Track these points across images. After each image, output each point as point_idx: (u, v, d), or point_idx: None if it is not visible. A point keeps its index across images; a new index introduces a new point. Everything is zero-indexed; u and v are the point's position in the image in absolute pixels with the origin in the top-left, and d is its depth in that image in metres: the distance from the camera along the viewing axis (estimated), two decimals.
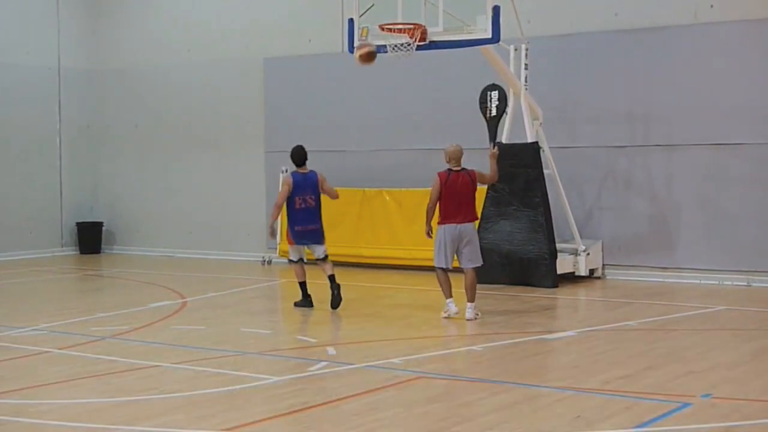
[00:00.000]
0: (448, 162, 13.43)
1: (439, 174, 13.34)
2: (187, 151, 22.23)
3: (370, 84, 19.50)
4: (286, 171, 20.06)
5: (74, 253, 23.02)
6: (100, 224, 23.26)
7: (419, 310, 14.43)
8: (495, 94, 15.28)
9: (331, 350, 10.97)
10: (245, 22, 21.31)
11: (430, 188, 13.39)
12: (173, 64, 22.34)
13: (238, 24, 21.42)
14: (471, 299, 13.20)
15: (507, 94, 15.22)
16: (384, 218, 19.10)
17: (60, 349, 11.23)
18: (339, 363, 10.27)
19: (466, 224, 13.21)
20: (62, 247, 23.04)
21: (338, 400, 8.72)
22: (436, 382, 9.44)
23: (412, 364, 10.18)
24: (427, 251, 18.13)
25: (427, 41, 15.00)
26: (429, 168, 18.68)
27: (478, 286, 13.37)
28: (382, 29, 15.12)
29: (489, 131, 16.38)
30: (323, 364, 10.20)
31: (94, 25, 23.48)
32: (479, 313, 13.23)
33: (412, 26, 14.93)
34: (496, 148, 14.39)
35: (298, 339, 11.84)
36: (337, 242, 19.39)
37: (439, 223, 13.24)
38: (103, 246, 23.30)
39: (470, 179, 13.29)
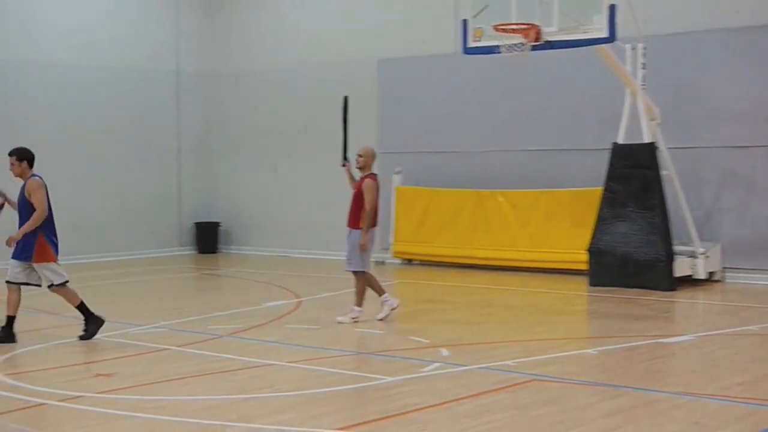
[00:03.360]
0: (370, 165, 13.18)
1: (375, 177, 13.12)
2: (303, 152, 22.43)
3: (484, 85, 19.43)
4: (400, 171, 20.20)
5: (192, 252, 23.44)
6: (217, 224, 23.63)
7: (533, 312, 14.33)
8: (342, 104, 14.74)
9: (444, 351, 10.95)
10: (360, 24, 21.43)
11: (373, 191, 13.03)
12: (289, 67, 22.57)
13: (352, 26, 21.55)
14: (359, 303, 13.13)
15: (347, 104, 14.56)
16: (498, 219, 19.00)
17: (178, 346, 11.43)
18: (452, 364, 10.25)
19: None
20: (180, 246, 23.48)
21: (451, 401, 8.70)
22: (549, 385, 9.36)
23: (526, 367, 10.11)
24: (541, 253, 18.14)
25: (541, 41, 14.89)
26: (543, 169, 18.69)
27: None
28: (496, 30, 15.05)
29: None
30: (436, 365, 10.19)
31: (213, 30, 23.88)
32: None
33: (526, 26, 14.83)
34: (345, 162, 13.72)
35: (411, 339, 11.85)
36: (450, 244, 19.44)
37: (372, 227, 13.03)
38: (220, 246, 23.67)
39: None
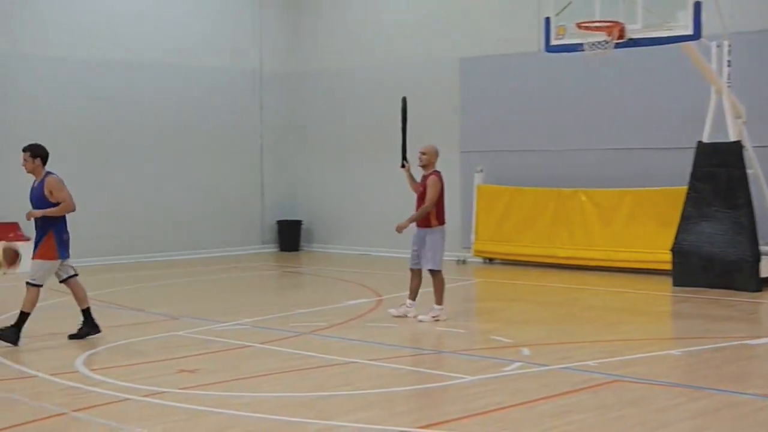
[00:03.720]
0: (433, 164, 13.13)
1: (440, 175, 13.08)
2: (384, 150, 22.40)
3: (567, 83, 19.30)
4: (482, 170, 20.14)
5: (274, 250, 23.61)
6: (299, 222, 23.79)
7: (615, 313, 14.20)
8: (401, 106, 14.58)
9: (525, 351, 10.91)
10: (441, 22, 21.41)
11: (438, 188, 13.09)
12: (370, 65, 22.64)
13: (434, 25, 21.53)
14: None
15: (406, 105, 14.42)
16: (580, 218, 18.84)
17: (260, 343, 11.53)
18: (534, 364, 10.20)
19: None
20: (263, 244, 23.68)
21: (533, 401, 8.66)
22: (632, 386, 9.27)
23: (608, 367, 10.02)
24: (624, 252, 17.96)
25: (625, 39, 14.74)
26: (626, 168, 18.50)
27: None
28: (579, 27, 14.94)
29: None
30: (518, 364, 10.16)
31: (294, 29, 24.04)
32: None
33: (609, 24, 14.70)
34: (405, 163, 13.72)
35: (493, 339, 11.82)
36: (531, 243, 19.34)
37: (441, 224, 13.04)
38: (302, 244, 23.82)
39: None
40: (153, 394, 8.93)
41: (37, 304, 11.71)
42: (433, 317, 12.92)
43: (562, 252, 18.98)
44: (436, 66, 21.41)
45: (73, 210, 11.76)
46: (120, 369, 10.13)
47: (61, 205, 11.70)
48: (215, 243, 22.63)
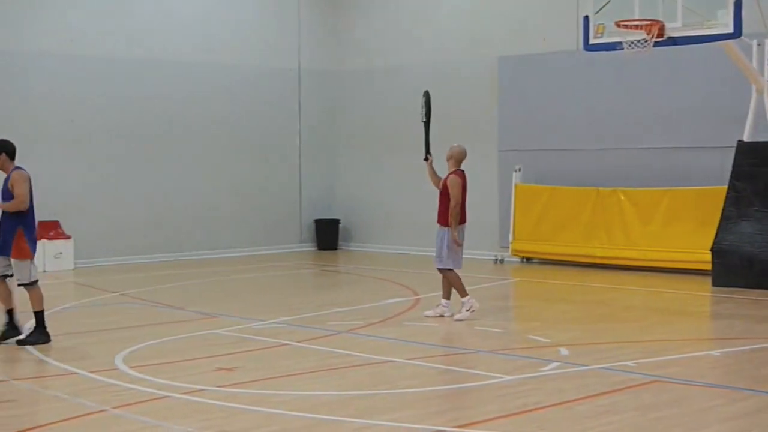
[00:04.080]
0: (459, 162, 13.19)
1: (462, 174, 13.13)
2: (420, 150, 22.42)
3: (606, 82, 19.21)
4: (520, 169, 20.10)
5: (312, 249, 23.67)
6: (337, 221, 23.83)
7: (654, 313, 14.13)
8: (423, 99, 14.51)
9: (563, 351, 10.87)
10: (480, 21, 21.37)
11: (458, 187, 13.14)
12: (409, 64, 22.63)
13: (472, 24, 21.50)
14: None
15: (429, 99, 14.37)
16: (618, 218, 18.75)
17: (298, 342, 11.56)
18: (571, 364, 10.17)
19: None
20: (301, 243, 23.73)
21: (571, 401, 8.64)
22: (671, 387, 9.22)
23: (647, 368, 9.97)
24: (663, 252, 17.86)
25: (664, 37, 14.67)
26: (665, 167, 18.40)
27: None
28: (618, 26, 14.88)
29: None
30: (556, 364, 10.13)
31: (333, 28, 24.08)
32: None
33: (649, 22, 14.63)
34: (429, 156, 13.73)
35: (530, 339, 11.79)
36: (569, 242, 19.27)
37: (461, 223, 13.06)
38: (339, 243, 23.86)
39: None
40: (191, 392, 8.98)
41: (79, 301, 11.80)
42: (467, 310, 12.92)
43: (600, 252, 18.89)
44: (475, 65, 21.37)
45: (24, 209, 11.40)
46: (159, 367, 10.19)
47: (13, 201, 11.42)
48: (253, 242, 22.71)
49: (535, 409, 8.39)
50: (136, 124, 20.93)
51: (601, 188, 19.01)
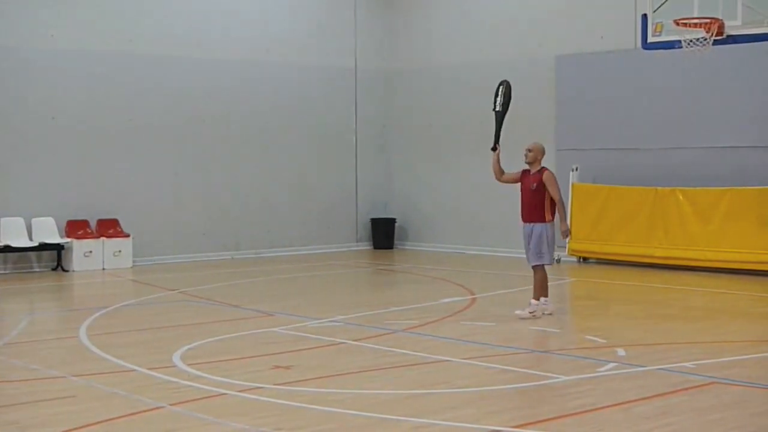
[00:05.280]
0: (539, 161, 13.18)
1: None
2: (478, 148, 22.37)
3: (664, 80, 19.04)
4: (577, 169, 19.98)
5: (368, 248, 23.71)
6: (393, 220, 23.84)
7: (714, 314, 13.97)
8: (501, 89, 14.31)
9: (621, 351, 10.79)
10: (537, 20, 21.28)
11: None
12: (466, 62, 22.59)
13: (530, 22, 21.42)
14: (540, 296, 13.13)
15: (509, 89, 14.19)
16: (677, 218, 18.58)
17: (354, 340, 11.58)
18: (629, 365, 10.09)
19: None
20: (357, 242, 23.79)
21: (628, 402, 8.57)
22: (731, 389, 9.11)
23: (706, 369, 9.87)
24: (723, 252, 17.67)
25: (724, 35, 14.52)
26: (726, 166, 18.19)
27: None
28: (677, 24, 14.75)
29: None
30: (613, 365, 10.05)
31: (389, 27, 24.10)
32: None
33: (708, 20, 14.49)
34: (497, 146, 13.59)
35: (588, 339, 11.72)
36: (627, 242, 19.13)
37: (552, 219, 13.03)
38: (395, 241, 23.87)
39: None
40: (248, 390, 9.03)
41: (137, 299, 11.91)
42: (531, 312, 12.88)
43: (659, 252, 18.74)
44: (532, 64, 21.28)
45: None
46: (216, 364, 10.25)
47: None
48: (310, 240, 22.81)
49: (593, 409, 8.33)
50: (194, 122, 21.10)
51: (659, 188, 18.85)
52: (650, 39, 15.42)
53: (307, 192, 22.89)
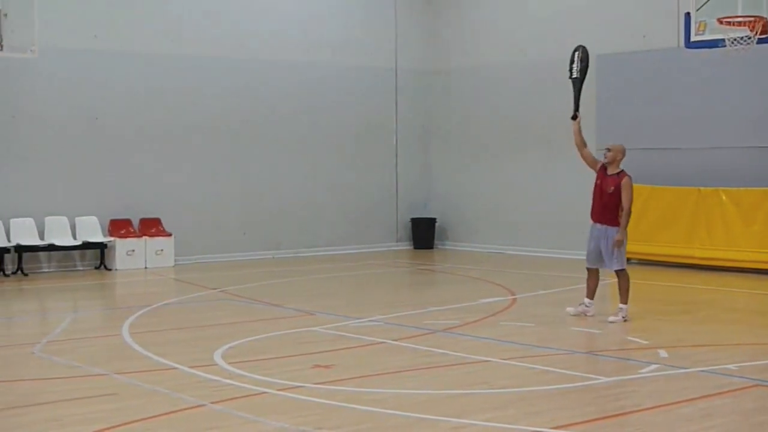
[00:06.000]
0: (618, 162, 13.08)
1: (629, 176, 13.00)
2: (518, 149, 22.37)
3: (708, 80, 18.89)
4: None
5: (408, 247, 23.70)
6: (433, 220, 23.82)
7: (757, 315, 13.86)
8: (578, 54, 14.08)
9: (663, 353, 10.71)
10: (578, 19, 21.16)
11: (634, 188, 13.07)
12: (506, 62, 22.53)
13: (570, 21, 21.29)
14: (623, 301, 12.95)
15: (588, 56, 14.00)
16: (720, 218, 18.42)
17: (394, 340, 11.58)
18: (671, 366, 10.02)
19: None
20: (397, 242, 23.78)
21: (670, 404, 8.51)
22: None
23: (749, 371, 9.78)
24: (766, 254, 17.49)
25: None
26: None
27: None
28: (721, 23, 14.62)
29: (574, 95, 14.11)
30: (654, 366, 9.99)
31: (430, 27, 24.08)
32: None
33: (752, 19, 14.35)
34: (577, 114, 13.44)
35: (629, 340, 11.65)
36: (669, 243, 19.00)
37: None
38: (435, 241, 23.85)
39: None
40: (289, 389, 9.05)
41: (179, 298, 11.98)
42: (623, 318, 12.80)
43: (701, 252, 18.59)
44: None
45: None
46: (257, 363, 10.29)
47: None
48: (350, 240, 22.83)
49: (634, 411, 8.29)
50: (235, 122, 21.19)
51: (702, 188, 18.70)
52: (693, 38, 15.30)
53: (347, 192, 22.92)
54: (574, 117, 13.41)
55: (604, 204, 12.89)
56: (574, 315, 13.04)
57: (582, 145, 13.29)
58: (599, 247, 12.96)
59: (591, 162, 13.21)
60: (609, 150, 13.08)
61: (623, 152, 13.11)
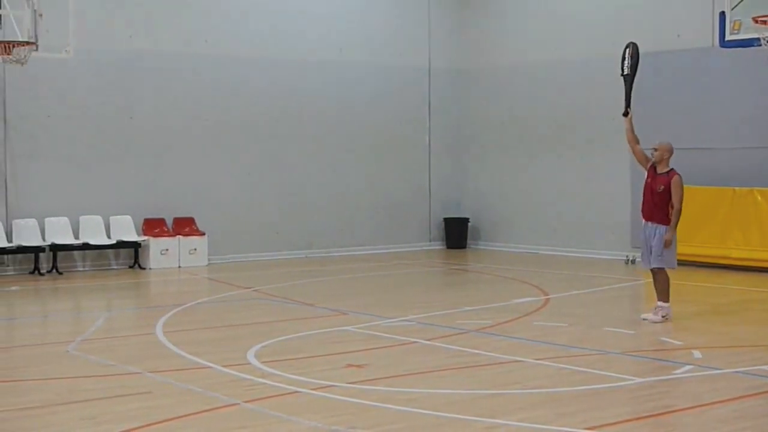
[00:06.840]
0: (667, 161, 13.01)
1: (680, 175, 12.93)
2: (552, 148, 22.30)
3: (743, 79, 18.75)
4: None
5: (441, 247, 23.69)
6: (466, 220, 23.80)
7: None
8: (628, 51, 14.01)
9: (697, 354, 10.66)
10: (613, 18, 21.08)
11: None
12: (539, 61, 22.47)
13: (605, 20, 21.21)
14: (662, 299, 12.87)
15: (638, 52, 13.91)
16: (755, 219, 18.29)
17: (427, 340, 11.59)
18: (705, 367, 9.97)
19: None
20: (430, 241, 23.78)
21: (703, 405, 8.47)
22: None
23: None
24: None
25: None
26: None
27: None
28: (756, 21, 14.53)
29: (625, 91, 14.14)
30: (688, 367, 9.94)
31: (463, 26, 24.06)
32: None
33: None
34: (629, 110, 13.39)
35: (663, 341, 11.60)
36: (704, 243, 18.87)
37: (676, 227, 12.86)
38: (468, 241, 23.82)
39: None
40: (321, 388, 9.08)
41: (212, 297, 12.03)
42: (663, 316, 12.76)
43: (736, 253, 18.47)
44: (608, 62, 20.98)
45: None
46: (290, 362, 10.32)
47: None
48: (383, 240, 22.85)
49: (667, 412, 8.26)
50: (268, 122, 21.26)
51: (737, 188, 18.58)
52: (728, 37, 15.21)
53: (380, 191, 22.93)
54: (626, 113, 13.40)
55: (654, 203, 12.87)
56: (654, 322, 12.83)
57: (634, 141, 13.30)
58: (651, 246, 12.90)
59: (642, 159, 13.19)
60: (656, 149, 13.04)
61: (670, 151, 13.06)
